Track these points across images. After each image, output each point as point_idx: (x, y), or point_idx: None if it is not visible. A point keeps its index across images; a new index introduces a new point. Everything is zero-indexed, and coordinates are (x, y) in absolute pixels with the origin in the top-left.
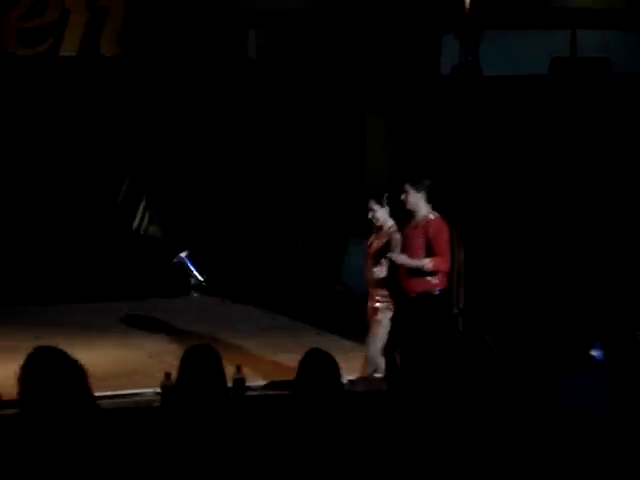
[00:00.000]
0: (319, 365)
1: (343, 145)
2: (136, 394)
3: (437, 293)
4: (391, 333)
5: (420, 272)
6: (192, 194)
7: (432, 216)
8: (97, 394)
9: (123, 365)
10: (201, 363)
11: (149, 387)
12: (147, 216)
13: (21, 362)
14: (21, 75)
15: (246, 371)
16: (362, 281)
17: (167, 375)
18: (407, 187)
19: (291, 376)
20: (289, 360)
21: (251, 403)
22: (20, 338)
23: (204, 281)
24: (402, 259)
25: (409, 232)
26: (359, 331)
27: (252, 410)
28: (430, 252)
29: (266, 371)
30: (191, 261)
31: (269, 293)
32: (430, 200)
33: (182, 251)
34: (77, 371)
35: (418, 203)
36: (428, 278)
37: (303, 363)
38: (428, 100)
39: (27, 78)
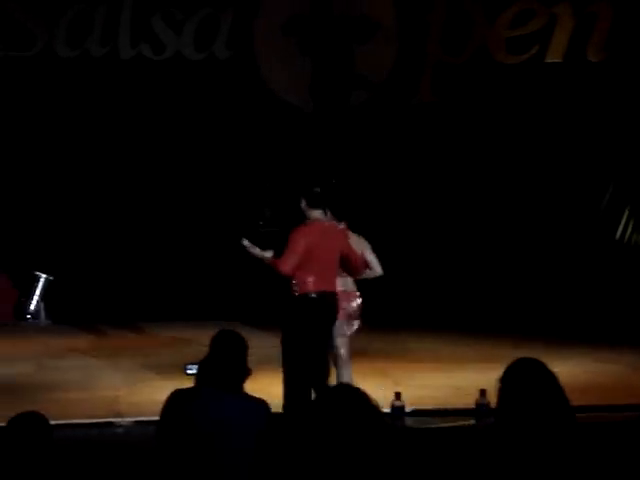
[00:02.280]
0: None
1: None
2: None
3: (296, 296)
4: None
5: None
6: None
7: (308, 222)
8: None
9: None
10: None
11: None
12: (631, 224)
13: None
14: (508, 83)
15: None
16: None
17: None
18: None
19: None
20: None
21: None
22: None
23: None
24: (251, 249)
25: None
26: None
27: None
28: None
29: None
30: None
31: None
32: (317, 205)
33: None
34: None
35: (305, 210)
36: (294, 281)
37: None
38: None
39: (513, 87)
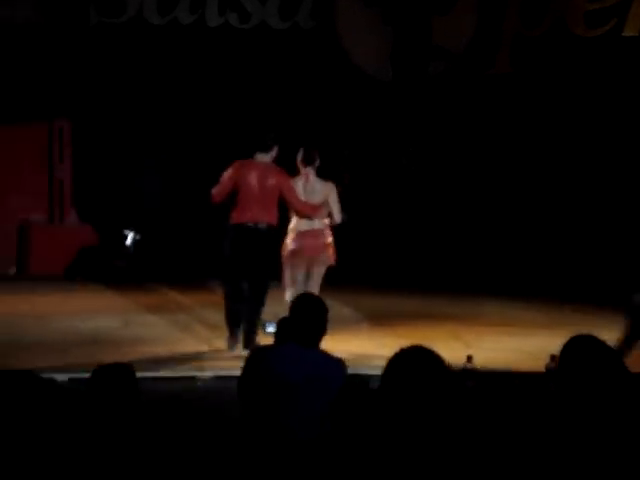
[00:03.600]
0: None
1: None
2: None
3: (227, 226)
4: None
5: None
6: None
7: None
8: None
9: None
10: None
11: None
12: None
13: None
14: (585, 56)
15: None
16: None
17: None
18: None
19: None
20: None
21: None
22: None
23: None
24: None
25: None
26: None
27: None
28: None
29: None
30: None
31: None
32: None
33: None
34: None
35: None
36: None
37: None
38: None
39: (590, 60)
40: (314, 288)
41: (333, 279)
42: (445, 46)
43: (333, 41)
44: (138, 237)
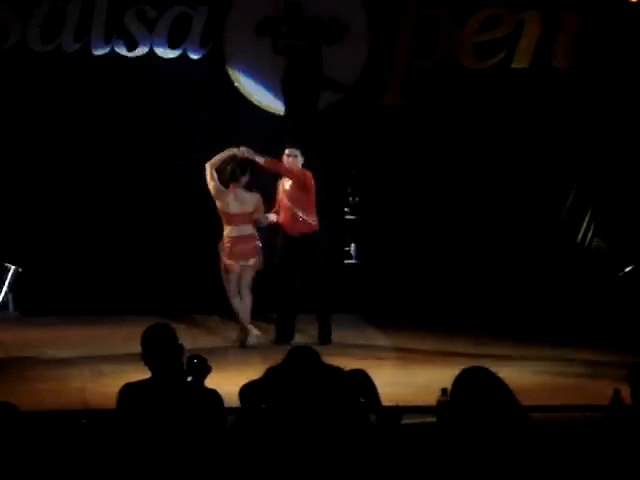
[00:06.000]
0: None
1: None
2: None
3: None
4: None
5: None
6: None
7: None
8: None
9: None
10: None
11: None
12: (592, 228)
13: None
14: (474, 88)
15: None
16: None
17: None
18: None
19: None
20: None
21: None
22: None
23: None
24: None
25: None
26: None
27: None
28: None
29: None
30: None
31: None
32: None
33: (627, 265)
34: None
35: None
36: None
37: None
38: None
39: (480, 91)
40: (245, 290)
41: None
42: (336, 77)
43: (222, 70)
44: (20, 270)
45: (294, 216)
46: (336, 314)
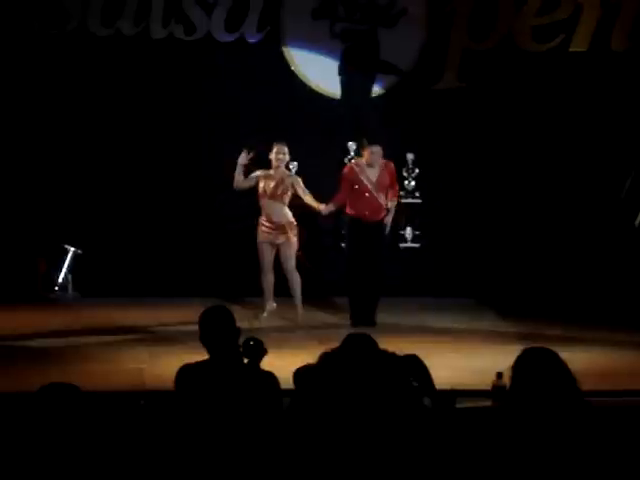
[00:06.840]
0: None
1: None
2: None
3: None
4: None
5: None
6: None
7: None
8: None
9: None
10: None
11: None
12: None
13: None
14: (532, 72)
15: None
16: None
17: None
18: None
19: None
20: None
21: None
22: None
23: None
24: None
25: None
26: None
27: None
28: None
29: None
30: None
31: None
32: None
33: None
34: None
35: None
36: None
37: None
38: None
39: (538, 75)
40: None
41: None
42: (393, 61)
43: (279, 55)
44: (79, 252)
45: (380, 205)
46: (390, 297)
